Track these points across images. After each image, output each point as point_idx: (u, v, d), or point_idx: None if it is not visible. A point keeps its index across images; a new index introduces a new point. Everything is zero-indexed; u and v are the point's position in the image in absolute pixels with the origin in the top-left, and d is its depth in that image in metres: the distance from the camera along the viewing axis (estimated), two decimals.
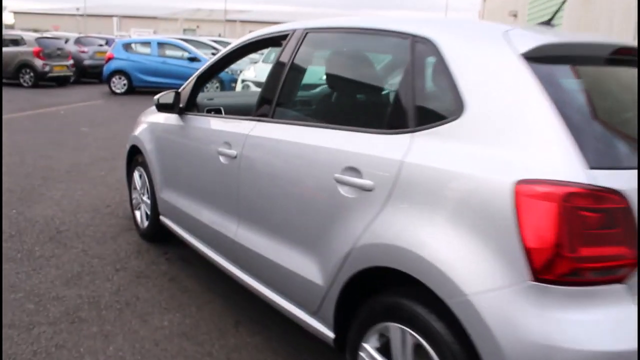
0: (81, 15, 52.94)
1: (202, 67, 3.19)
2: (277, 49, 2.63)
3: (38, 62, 14.56)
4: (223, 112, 3.34)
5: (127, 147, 3.92)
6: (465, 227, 1.55)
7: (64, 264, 3.35)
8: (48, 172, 5.60)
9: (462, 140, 1.65)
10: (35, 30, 23.77)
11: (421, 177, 1.69)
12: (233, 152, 2.52)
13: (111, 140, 7.46)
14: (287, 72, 2.42)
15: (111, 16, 48.10)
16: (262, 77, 8.57)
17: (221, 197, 2.69)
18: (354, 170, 1.89)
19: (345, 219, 1.91)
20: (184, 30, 46.54)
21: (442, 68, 1.78)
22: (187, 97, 3.14)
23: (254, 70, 8.77)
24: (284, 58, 2.46)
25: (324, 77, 2.57)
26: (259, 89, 8.61)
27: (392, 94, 2.08)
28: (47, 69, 14.67)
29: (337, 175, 1.94)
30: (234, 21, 53.32)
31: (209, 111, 3.27)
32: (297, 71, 2.50)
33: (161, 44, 14.41)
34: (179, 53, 14.22)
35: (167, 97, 3.17)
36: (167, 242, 3.69)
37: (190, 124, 3.07)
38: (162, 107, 3.21)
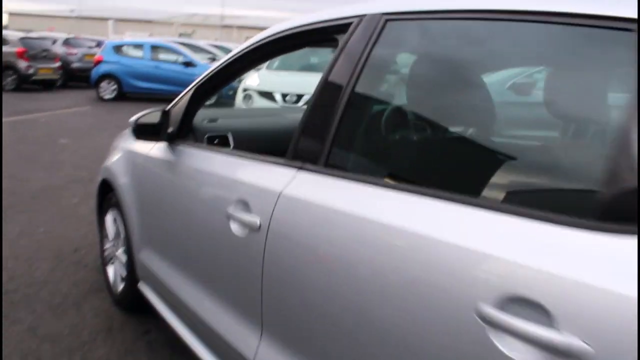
0: (76, 18, 51.83)
1: (201, 76, 2.17)
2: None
3: (21, 64, 13.55)
4: (231, 141, 2.33)
5: (98, 180, 2.91)
6: None
7: None
8: (10, 198, 4.58)
9: None
10: (28, 31, 22.75)
11: None
12: (254, 220, 1.51)
13: (92, 156, 6.43)
14: (352, 88, 1.39)
15: (107, 19, 47.05)
16: (266, 86, 7.61)
17: (232, 287, 1.68)
18: (526, 305, 0.90)
19: None
20: (180, 34, 45.55)
21: None
22: (179, 118, 2.14)
23: (258, 78, 7.76)
24: (347, 63, 1.43)
25: (419, 98, 1.53)
26: (263, 99, 7.54)
27: (598, 144, 1.08)
28: (31, 71, 13.65)
29: (485, 308, 0.95)
30: (231, 27, 52.40)
31: (211, 139, 2.26)
32: (371, 87, 1.49)
33: (155, 47, 13.40)
34: (173, 57, 13.23)
35: (150, 118, 2.16)
36: (150, 313, 2.67)
37: (183, 160, 2.05)
38: (142, 133, 2.18)
